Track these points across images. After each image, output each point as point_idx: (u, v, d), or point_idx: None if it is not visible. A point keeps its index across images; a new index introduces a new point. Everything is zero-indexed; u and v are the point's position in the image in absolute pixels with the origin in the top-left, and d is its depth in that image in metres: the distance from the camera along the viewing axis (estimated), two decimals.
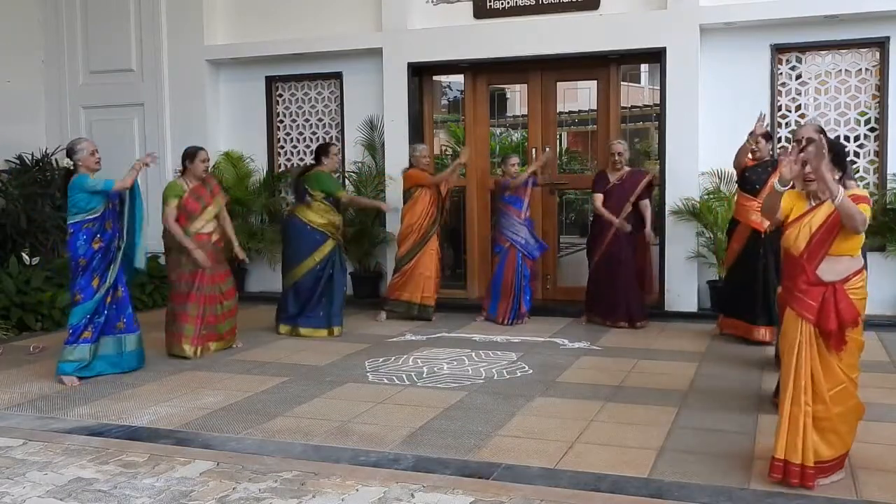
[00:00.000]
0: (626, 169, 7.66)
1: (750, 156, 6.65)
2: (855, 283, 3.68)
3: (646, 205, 7.62)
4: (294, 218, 7.46)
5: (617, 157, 7.61)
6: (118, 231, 5.99)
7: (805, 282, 3.68)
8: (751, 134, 6.51)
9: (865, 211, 3.58)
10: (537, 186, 8.18)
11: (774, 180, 3.79)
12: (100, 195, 5.83)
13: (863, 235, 3.68)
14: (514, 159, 8.00)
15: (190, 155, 6.60)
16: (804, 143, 4.19)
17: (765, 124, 6.64)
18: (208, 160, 6.75)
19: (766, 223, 6.13)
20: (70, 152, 5.89)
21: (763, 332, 6.68)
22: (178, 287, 6.54)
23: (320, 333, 7.35)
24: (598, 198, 7.61)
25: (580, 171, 10.53)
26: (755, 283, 6.65)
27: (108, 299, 5.94)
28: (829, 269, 3.65)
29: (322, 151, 7.55)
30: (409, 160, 8.22)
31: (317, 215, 7.36)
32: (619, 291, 7.57)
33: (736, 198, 6.98)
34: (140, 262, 6.24)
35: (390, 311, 8.12)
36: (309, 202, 7.39)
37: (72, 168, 5.87)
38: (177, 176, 6.83)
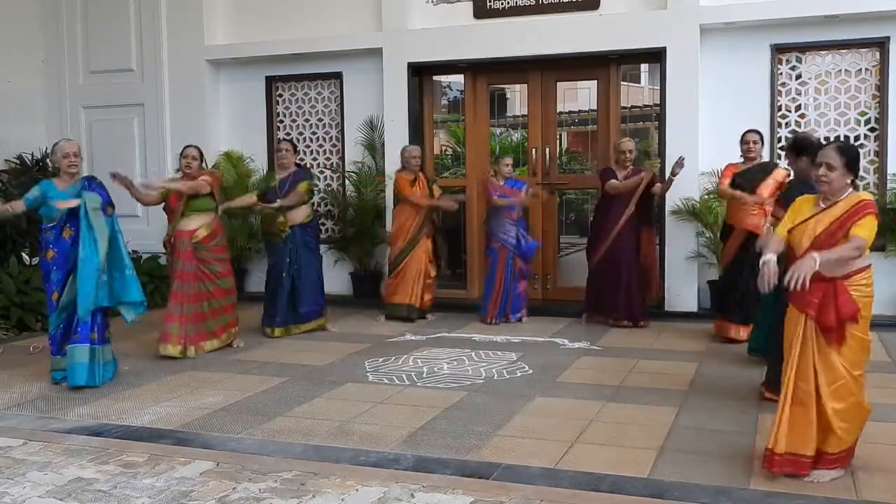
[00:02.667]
0: (631, 168, 7.63)
1: (742, 158, 6.78)
2: (857, 280, 3.70)
3: (654, 190, 7.55)
4: None
5: (627, 155, 7.57)
6: (83, 241, 5.57)
7: None
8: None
9: (870, 225, 3.61)
10: (525, 188, 7.97)
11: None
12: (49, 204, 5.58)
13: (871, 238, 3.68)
14: (508, 160, 7.94)
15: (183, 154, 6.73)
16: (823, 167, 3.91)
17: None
18: (196, 158, 6.70)
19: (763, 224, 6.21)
20: (51, 153, 5.85)
21: (737, 330, 6.78)
22: (171, 287, 6.59)
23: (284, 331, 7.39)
24: (613, 182, 7.46)
25: (580, 171, 10.55)
26: (741, 283, 6.66)
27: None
28: (832, 266, 3.62)
29: None
30: (401, 161, 8.12)
31: None
32: (622, 290, 7.55)
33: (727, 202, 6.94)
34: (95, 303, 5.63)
35: (389, 315, 8.09)
36: None
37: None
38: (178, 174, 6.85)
